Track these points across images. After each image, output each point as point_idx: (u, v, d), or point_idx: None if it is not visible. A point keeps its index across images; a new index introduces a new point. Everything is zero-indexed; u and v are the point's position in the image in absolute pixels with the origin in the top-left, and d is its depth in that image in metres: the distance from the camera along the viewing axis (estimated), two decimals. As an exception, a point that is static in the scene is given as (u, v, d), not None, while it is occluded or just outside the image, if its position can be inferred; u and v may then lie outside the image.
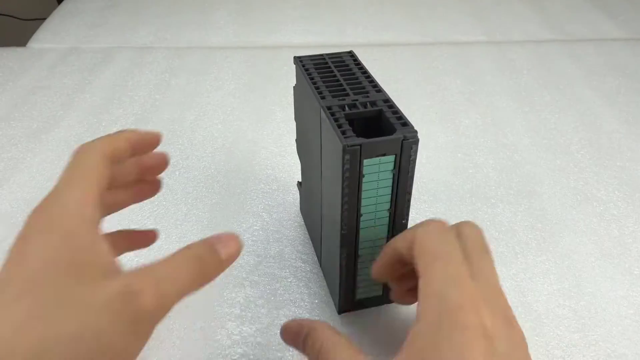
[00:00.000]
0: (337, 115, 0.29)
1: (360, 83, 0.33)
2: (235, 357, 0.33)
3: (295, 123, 0.40)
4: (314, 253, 0.40)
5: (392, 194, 0.30)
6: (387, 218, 0.31)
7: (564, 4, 0.85)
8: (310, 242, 0.41)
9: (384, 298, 0.35)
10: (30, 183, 0.48)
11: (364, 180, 0.28)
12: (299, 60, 0.36)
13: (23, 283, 0.21)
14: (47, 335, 0.19)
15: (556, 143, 0.53)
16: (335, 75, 0.34)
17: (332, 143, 0.29)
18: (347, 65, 0.36)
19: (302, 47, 0.73)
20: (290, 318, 0.35)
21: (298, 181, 0.43)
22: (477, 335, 0.22)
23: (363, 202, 0.30)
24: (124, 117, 0.57)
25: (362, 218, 0.30)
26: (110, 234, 0.30)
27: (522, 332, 0.24)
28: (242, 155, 0.51)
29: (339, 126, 0.28)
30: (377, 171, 0.29)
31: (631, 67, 0.67)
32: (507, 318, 0.24)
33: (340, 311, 0.36)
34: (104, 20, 0.82)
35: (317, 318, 0.36)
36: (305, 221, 0.43)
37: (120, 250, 0.31)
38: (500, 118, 0.57)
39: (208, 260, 0.24)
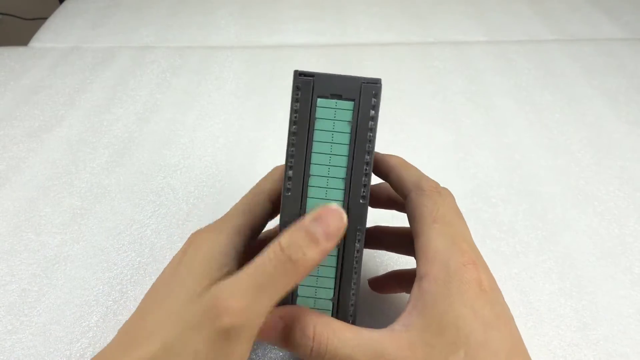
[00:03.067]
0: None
1: None
2: (237, 356, 0.33)
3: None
4: None
5: (349, 157, 0.25)
6: (342, 191, 0.25)
7: (565, 4, 0.85)
8: None
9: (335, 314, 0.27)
10: (32, 182, 0.48)
11: (316, 125, 0.25)
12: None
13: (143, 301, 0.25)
14: (151, 349, 0.22)
15: (557, 142, 0.53)
16: None
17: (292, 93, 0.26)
18: None
19: (303, 47, 0.73)
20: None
21: None
22: (477, 289, 0.24)
23: (313, 158, 0.25)
24: (126, 117, 0.57)
25: (310, 181, 0.25)
26: None
27: (502, 294, 0.26)
28: (244, 155, 0.51)
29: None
30: (333, 118, 0.25)
31: (632, 67, 0.67)
32: (491, 277, 0.25)
33: None
34: (105, 20, 0.82)
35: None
36: None
37: None
38: (501, 118, 0.57)
39: (300, 253, 0.22)
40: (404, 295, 0.36)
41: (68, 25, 0.80)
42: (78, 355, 0.34)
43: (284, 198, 0.25)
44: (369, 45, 0.73)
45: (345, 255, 0.26)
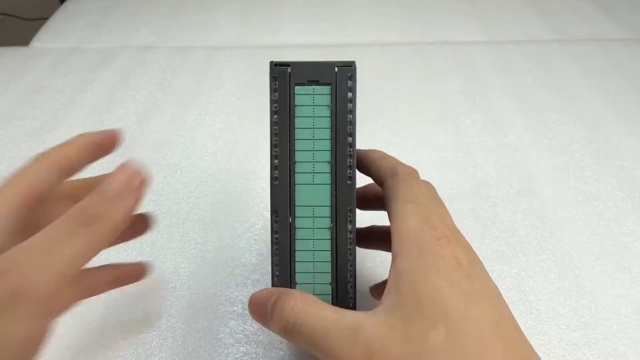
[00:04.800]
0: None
1: None
2: (237, 356, 0.34)
3: None
4: None
5: (332, 140, 0.26)
6: (328, 175, 0.26)
7: (564, 4, 0.85)
8: None
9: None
10: (33, 182, 0.48)
11: (296, 112, 0.25)
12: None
13: None
14: None
15: (556, 142, 0.53)
16: None
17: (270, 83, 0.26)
18: None
19: (303, 46, 0.73)
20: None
21: None
22: (454, 263, 0.23)
23: (297, 145, 0.26)
24: (126, 117, 0.58)
25: (296, 167, 0.26)
26: (91, 270, 0.29)
27: (485, 270, 0.25)
28: (244, 154, 0.52)
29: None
30: (312, 104, 0.25)
31: (631, 66, 0.67)
32: (471, 254, 0.25)
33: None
34: (106, 20, 0.82)
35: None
36: None
37: (102, 287, 0.30)
38: (500, 117, 0.57)
39: (94, 214, 0.22)
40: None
41: (69, 26, 0.81)
42: (78, 354, 0.34)
43: (272, 187, 0.26)
44: (369, 45, 0.73)
45: (339, 237, 0.26)
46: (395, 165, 0.28)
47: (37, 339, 0.21)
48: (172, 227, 0.43)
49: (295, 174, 0.26)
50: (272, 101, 0.25)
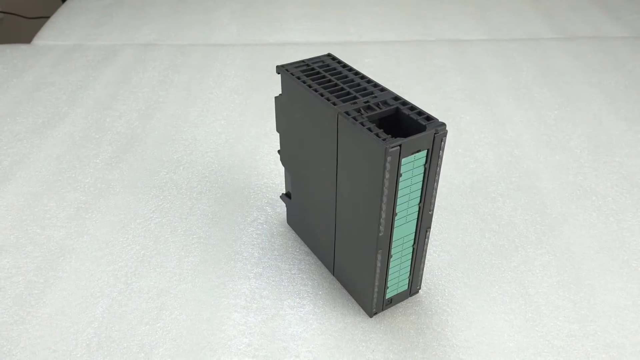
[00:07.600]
0: (360, 119, 0.29)
1: (358, 84, 0.33)
2: (240, 347, 0.34)
3: (278, 134, 0.39)
4: None
5: (422, 188, 0.30)
6: (417, 212, 0.31)
7: (564, 2, 0.85)
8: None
9: (409, 291, 0.36)
10: (36, 177, 0.49)
11: (401, 179, 0.29)
12: (284, 69, 0.35)
13: None
14: None
15: (555, 139, 0.53)
16: (330, 80, 0.33)
17: (362, 148, 0.28)
18: (335, 68, 0.35)
19: (304, 44, 0.73)
20: (294, 309, 0.36)
21: (283, 193, 0.42)
22: None
23: (399, 201, 0.30)
24: (128, 113, 0.58)
25: (396, 217, 0.30)
26: None
27: None
28: (245, 151, 0.52)
29: (370, 130, 0.28)
30: (412, 168, 0.29)
31: (629, 64, 0.67)
32: None
33: (373, 314, 0.35)
34: (107, 18, 0.82)
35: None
36: (298, 232, 0.42)
37: None
38: (501, 114, 0.57)
39: None
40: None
41: (71, 23, 0.81)
42: (84, 345, 0.34)
43: (378, 240, 0.31)
44: (371, 43, 0.73)
45: (418, 246, 0.33)
46: None
47: None
48: (176, 222, 0.44)
49: (395, 220, 0.30)
50: (385, 172, 0.28)
